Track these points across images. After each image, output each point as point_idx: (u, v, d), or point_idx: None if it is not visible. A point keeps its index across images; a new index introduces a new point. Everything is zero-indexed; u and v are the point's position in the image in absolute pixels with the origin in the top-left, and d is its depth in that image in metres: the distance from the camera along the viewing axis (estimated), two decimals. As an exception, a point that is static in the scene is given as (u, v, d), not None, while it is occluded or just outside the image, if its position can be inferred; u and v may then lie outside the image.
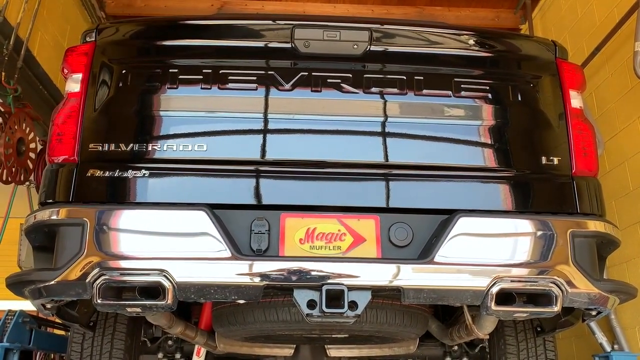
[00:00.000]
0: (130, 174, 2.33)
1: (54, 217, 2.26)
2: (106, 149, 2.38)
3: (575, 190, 2.45)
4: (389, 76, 2.56)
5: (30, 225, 2.32)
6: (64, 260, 2.17)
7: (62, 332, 4.81)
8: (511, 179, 2.48)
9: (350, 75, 2.53)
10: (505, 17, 6.38)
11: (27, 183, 5.04)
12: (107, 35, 2.62)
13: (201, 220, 2.20)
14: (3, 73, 4.28)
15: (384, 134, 2.48)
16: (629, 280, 4.23)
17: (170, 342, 3.40)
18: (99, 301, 2.11)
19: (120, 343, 3.04)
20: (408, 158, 2.46)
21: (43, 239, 2.34)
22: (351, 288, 2.13)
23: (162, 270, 2.11)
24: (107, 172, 2.33)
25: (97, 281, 2.11)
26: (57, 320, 4.17)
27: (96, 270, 2.12)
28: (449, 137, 2.50)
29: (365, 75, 2.55)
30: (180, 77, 2.51)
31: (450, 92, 2.55)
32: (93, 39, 2.59)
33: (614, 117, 4.65)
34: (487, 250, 2.25)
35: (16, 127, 4.60)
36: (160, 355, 3.41)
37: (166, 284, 2.10)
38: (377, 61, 2.59)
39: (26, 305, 3.21)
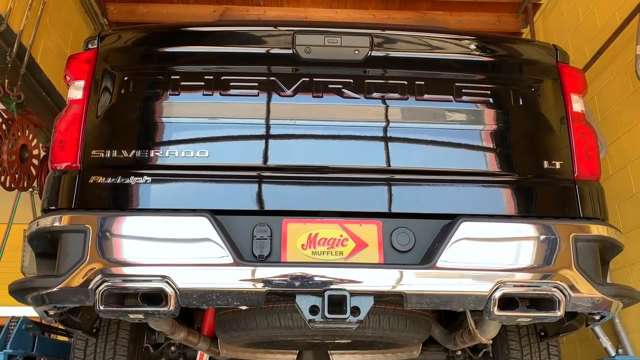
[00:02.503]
0: (132, 180, 2.34)
1: (57, 223, 2.27)
2: (108, 155, 2.39)
3: (578, 194, 2.45)
4: (390, 81, 2.56)
5: (33, 232, 2.33)
6: (67, 267, 2.17)
7: (65, 339, 4.81)
8: (513, 184, 2.47)
9: (352, 81, 2.54)
10: (507, 21, 6.38)
11: (30, 189, 5.05)
12: (109, 42, 2.63)
13: (203, 226, 2.20)
14: (6, 80, 4.30)
15: (385, 139, 2.48)
16: (633, 284, 4.22)
17: (173, 348, 3.40)
18: (101, 308, 2.11)
19: (123, 349, 3.04)
20: (410, 163, 2.46)
21: (46, 246, 2.35)
22: (353, 293, 2.12)
23: (164, 277, 2.11)
24: (110, 179, 2.34)
25: (100, 288, 2.11)
26: (60, 327, 4.17)
27: (98, 277, 2.12)
28: (451, 141, 2.50)
29: (366, 81, 2.55)
30: (182, 83, 2.52)
31: (451, 97, 2.55)
32: (95, 46, 2.60)
33: (616, 121, 4.64)
34: (490, 255, 2.24)
35: (19, 133, 4.61)
36: (163, 361, 3.40)
37: (168, 290, 2.10)
38: (379, 66, 2.59)
39: (29, 312, 3.21)
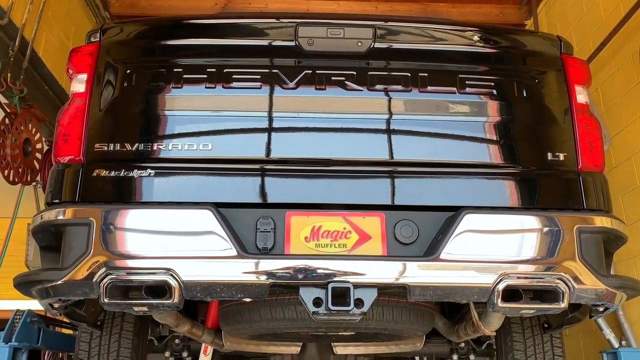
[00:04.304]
0: (135, 173, 2.34)
1: (61, 217, 2.27)
2: (111, 149, 2.39)
3: (582, 186, 2.44)
4: (393, 73, 2.55)
5: (37, 225, 2.33)
6: (71, 260, 2.18)
7: (70, 332, 4.83)
8: (517, 175, 2.47)
9: (355, 73, 2.53)
10: (510, 13, 6.36)
11: (34, 183, 5.06)
12: (111, 35, 2.62)
13: (207, 219, 2.20)
14: (9, 74, 4.30)
15: (388, 131, 2.48)
16: (636, 276, 4.22)
17: (177, 341, 3.41)
18: (105, 300, 2.12)
19: (127, 342, 3.06)
20: (413, 155, 2.46)
21: (50, 239, 2.35)
22: (357, 286, 2.13)
23: (168, 269, 2.12)
24: (113, 172, 2.34)
25: (104, 281, 2.12)
26: (65, 320, 4.19)
27: (103, 270, 2.13)
28: (454, 133, 2.49)
29: (369, 73, 2.54)
30: (185, 76, 2.51)
31: (455, 89, 2.54)
32: (97, 39, 2.59)
33: (620, 112, 4.63)
34: (493, 246, 2.24)
35: (22, 127, 4.62)
36: (167, 354, 3.42)
37: (172, 282, 2.10)
38: (381, 58, 2.58)
39: (34, 305, 3.23)
